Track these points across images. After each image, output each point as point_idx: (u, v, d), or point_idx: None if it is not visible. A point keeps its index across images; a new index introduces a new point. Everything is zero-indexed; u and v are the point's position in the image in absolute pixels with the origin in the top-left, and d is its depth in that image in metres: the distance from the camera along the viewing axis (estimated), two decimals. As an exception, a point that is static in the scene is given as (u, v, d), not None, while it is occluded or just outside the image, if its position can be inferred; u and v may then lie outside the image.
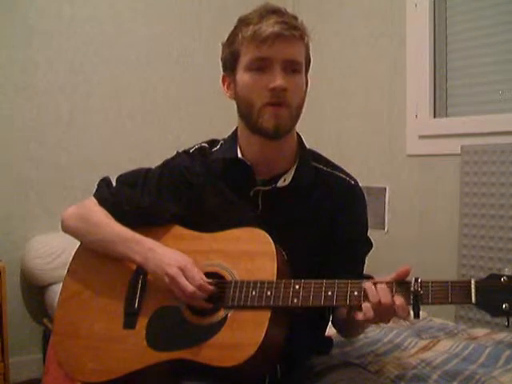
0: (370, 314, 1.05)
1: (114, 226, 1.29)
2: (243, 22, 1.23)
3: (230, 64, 1.26)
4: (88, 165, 2.86)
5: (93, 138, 2.93)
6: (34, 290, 2.75)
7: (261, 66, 1.19)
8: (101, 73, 2.95)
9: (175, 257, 1.19)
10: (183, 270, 1.16)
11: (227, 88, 1.29)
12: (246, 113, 1.23)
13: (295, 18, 1.22)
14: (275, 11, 1.21)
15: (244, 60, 1.21)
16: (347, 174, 1.34)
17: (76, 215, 1.35)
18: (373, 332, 1.70)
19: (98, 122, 2.95)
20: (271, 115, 1.19)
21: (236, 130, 1.33)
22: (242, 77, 1.22)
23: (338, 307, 1.24)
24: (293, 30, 1.19)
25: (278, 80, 1.17)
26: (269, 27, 1.17)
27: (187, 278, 1.15)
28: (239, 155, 1.29)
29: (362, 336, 1.64)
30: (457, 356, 1.52)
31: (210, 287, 1.15)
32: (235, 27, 1.25)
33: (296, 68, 1.21)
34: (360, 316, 1.08)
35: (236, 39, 1.23)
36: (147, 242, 1.24)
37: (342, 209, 1.29)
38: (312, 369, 1.27)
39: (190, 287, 1.14)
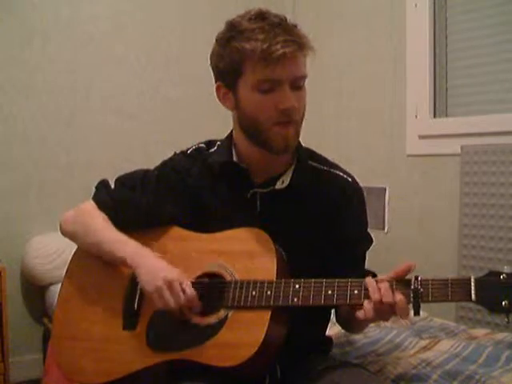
0: (371, 314, 1.06)
1: (109, 231, 1.28)
2: (242, 34, 1.15)
3: (228, 76, 1.20)
4: (88, 165, 2.86)
5: (93, 137, 2.93)
6: (34, 290, 2.76)
7: (270, 88, 1.15)
8: (101, 73, 2.95)
9: (164, 269, 1.18)
10: (169, 283, 1.14)
11: (223, 98, 1.25)
12: (252, 130, 1.21)
13: (295, 26, 1.18)
14: (279, 24, 1.15)
15: (250, 79, 1.16)
16: (345, 172, 1.34)
17: (73, 219, 1.35)
18: (373, 332, 1.70)
19: (98, 122, 2.95)
20: (280, 136, 1.18)
21: (231, 134, 1.32)
22: (248, 95, 1.18)
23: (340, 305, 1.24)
24: (303, 50, 1.16)
25: (290, 101, 1.16)
26: (278, 47, 1.11)
27: (172, 293, 1.14)
28: (234, 159, 1.29)
29: (361, 336, 1.64)
30: (457, 356, 1.52)
31: (196, 303, 1.15)
32: (231, 37, 1.17)
33: (301, 83, 1.19)
34: (361, 315, 1.08)
35: (236, 53, 1.16)
36: (141, 249, 1.23)
37: (340, 207, 1.28)
38: (312, 369, 1.27)
39: (171, 302, 1.13)
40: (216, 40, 1.23)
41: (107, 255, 1.27)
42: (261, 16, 1.17)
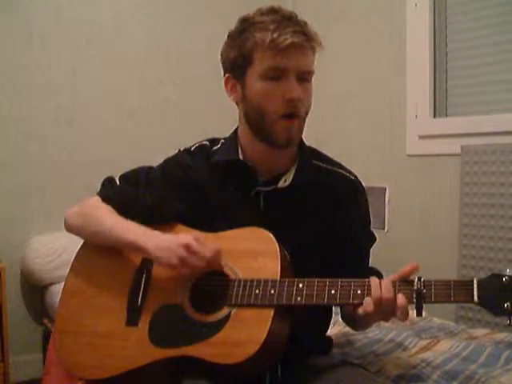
0: (370, 308, 1.06)
1: (115, 217, 1.29)
2: (254, 25, 1.19)
3: (238, 67, 1.23)
4: (88, 165, 2.85)
5: (93, 137, 2.93)
6: (34, 290, 2.76)
7: (277, 76, 1.18)
8: (101, 73, 2.95)
9: (175, 239, 1.19)
10: (187, 246, 1.16)
11: (231, 90, 1.28)
12: (257, 121, 1.23)
13: (306, 23, 1.21)
14: (290, 18, 1.19)
15: (259, 67, 1.19)
16: (347, 170, 1.35)
17: (78, 212, 1.36)
18: (373, 332, 1.70)
19: (98, 121, 2.95)
20: (284, 130, 1.20)
21: (236, 130, 1.33)
22: (256, 84, 1.20)
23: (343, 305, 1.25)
24: (312, 42, 1.19)
25: (296, 91, 1.18)
26: (288, 36, 1.15)
27: (196, 254, 1.15)
28: (240, 157, 1.29)
29: (361, 336, 1.65)
30: (457, 356, 1.53)
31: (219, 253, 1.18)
32: (244, 29, 1.21)
33: (308, 77, 1.22)
34: (361, 310, 1.08)
35: (247, 42, 1.20)
36: (150, 230, 1.24)
37: (342, 205, 1.29)
38: (312, 369, 1.28)
39: (199, 263, 1.15)
40: (228, 35, 1.26)
41: (116, 242, 1.26)
42: (273, 10, 1.21)
